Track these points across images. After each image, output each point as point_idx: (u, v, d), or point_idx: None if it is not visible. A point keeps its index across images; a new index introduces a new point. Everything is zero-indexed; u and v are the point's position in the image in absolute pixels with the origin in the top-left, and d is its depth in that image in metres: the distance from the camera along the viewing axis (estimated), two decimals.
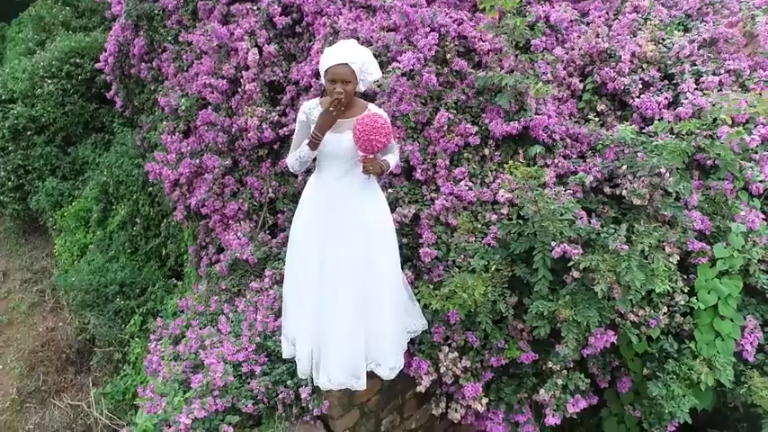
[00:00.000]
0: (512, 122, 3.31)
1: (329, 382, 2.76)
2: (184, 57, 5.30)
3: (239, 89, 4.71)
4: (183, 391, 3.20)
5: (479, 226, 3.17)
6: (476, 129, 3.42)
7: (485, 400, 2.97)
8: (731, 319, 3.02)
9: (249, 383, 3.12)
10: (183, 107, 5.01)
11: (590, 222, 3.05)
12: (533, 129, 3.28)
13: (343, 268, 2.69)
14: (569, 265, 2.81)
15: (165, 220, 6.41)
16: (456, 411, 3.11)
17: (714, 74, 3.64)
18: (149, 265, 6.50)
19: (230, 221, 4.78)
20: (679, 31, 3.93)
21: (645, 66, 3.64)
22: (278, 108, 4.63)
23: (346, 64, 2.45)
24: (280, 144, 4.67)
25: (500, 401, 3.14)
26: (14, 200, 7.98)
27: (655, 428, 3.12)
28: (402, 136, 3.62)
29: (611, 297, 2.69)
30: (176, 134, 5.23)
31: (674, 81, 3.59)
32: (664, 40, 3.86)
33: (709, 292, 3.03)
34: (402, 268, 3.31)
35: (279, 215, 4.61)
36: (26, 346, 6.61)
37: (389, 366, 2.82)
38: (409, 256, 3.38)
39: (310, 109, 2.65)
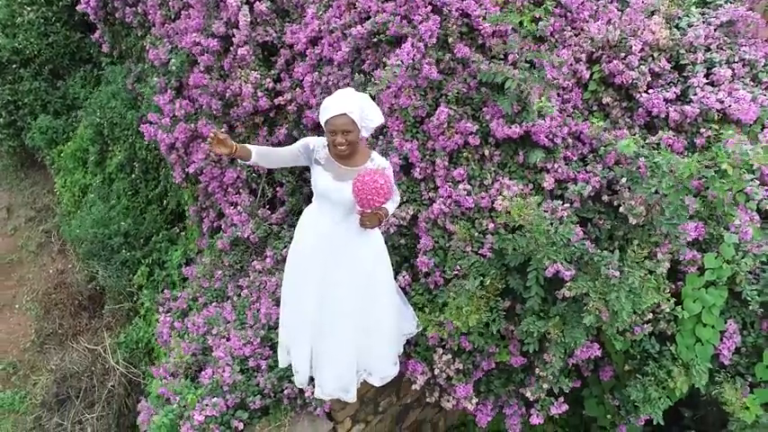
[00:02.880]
0: (513, 126, 3.23)
1: (322, 394, 2.97)
2: (171, 3, 5.00)
3: (231, 48, 4.51)
4: (195, 386, 3.43)
5: (476, 234, 3.22)
6: (476, 127, 3.34)
7: (475, 401, 3.21)
8: (712, 326, 3.17)
9: (256, 378, 3.34)
10: (174, 67, 4.83)
11: (585, 234, 3.10)
12: (535, 134, 3.21)
13: (345, 291, 2.78)
14: (563, 284, 2.90)
15: (162, 163, 6.39)
16: (448, 402, 3.36)
17: (728, 62, 3.49)
18: (150, 209, 6.56)
19: (229, 188, 4.79)
20: (698, 6, 3.70)
21: (656, 54, 3.47)
22: (272, 72, 4.47)
23: (345, 114, 2.38)
24: (276, 112, 4.56)
25: (489, 393, 3.39)
26: (8, 136, 7.89)
27: (631, 416, 3.39)
28: (401, 129, 3.54)
29: (599, 323, 2.81)
30: (168, 91, 5.07)
31: (685, 73, 3.45)
32: (680, 18, 3.64)
33: (694, 301, 3.15)
34: (399, 270, 3.42)
35: (278, 187, 4.61)
36: (39, 287, 6.88)
37: (381, 376, 3.03)
38: (407, 257, 3.46)
39: (316, 148, 2.61)
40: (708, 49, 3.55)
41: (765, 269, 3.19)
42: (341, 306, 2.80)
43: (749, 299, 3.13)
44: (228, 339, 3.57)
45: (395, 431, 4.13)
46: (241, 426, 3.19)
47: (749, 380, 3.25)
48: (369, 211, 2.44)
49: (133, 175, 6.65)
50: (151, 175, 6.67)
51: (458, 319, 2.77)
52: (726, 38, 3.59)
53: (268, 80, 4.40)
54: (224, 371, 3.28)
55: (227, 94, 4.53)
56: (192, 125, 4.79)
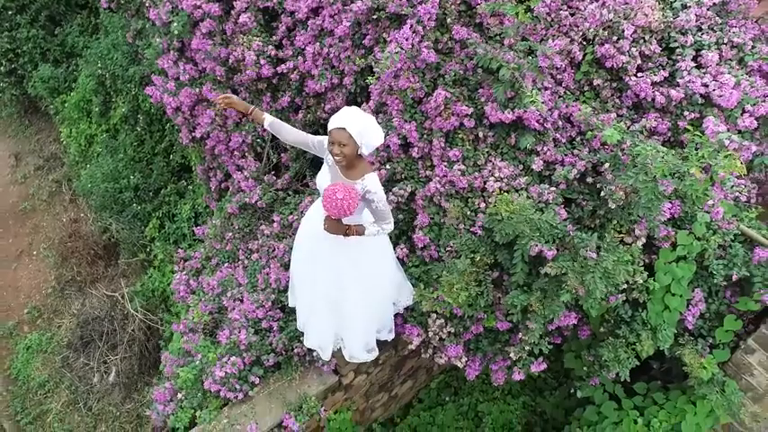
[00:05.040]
0: (506, 111, 3.41)
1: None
2: None
3: (232, 11, 4.57)
4: (212, 341, 3.82)
5: (468, 213, 3.48)
6: (471, 110, 3.52)
7: (464, 359, 3.61)
8: (680, 295, 3.51)
9: (269, 338, 3.72)
10: (176, 31, 4.88)
11: (569, 213, 3.38)
12: (527, 119, 3.40)
13: (350, 277, 3.15)
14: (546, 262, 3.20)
15: (166, 116, 6.52)
16: (440, 359, 3.76)
17: (717, 44, 3.61)
18: (157, 161, 6.76)
19: (235, 152, 4.99)
20: None
21: (647, 37, 3.59)
22: (274, 38, 4.55)
23: (344, 129, 2.58)
24: (278, 78, 4.68)
25: (477, 351, 3.78)
26: (10, 84, 7.95)
27: (603, 370, 3.81)
28: (400, 108, 3.71)
29: (576, 297, 3.13)
30: (171, 52, 5.14)
31: (675, 56, 3.58)
32: None
33: (665, 274, 3.47)
34: (398, 243, 3.72)
35: (282, 153, 4.81)
36: (54, 235, 7.21)
37: (350, 354, 3.57)
38: (405, 230, 3.75)
39: (322, 147, 2.87)
40: (699, 29, 3.65)
41: (733, 245, 3.48)
42: (346, 292, 3.17)
43: (715, 272, 3.45)
44: (242, 302, 3.93)
45: (393, 378, 4.59)
46: (257, 380, 3.61)
47: (710, 341, 3.63)
48: (332, 218, 2.70)
49: (138, 128, 6.79)
50: (155, 126, 6.81)
51: (449, 296, 3.10)
52: (717, 18, 3.68)
53: (270, 47, 4.49)
54: (240, 332, 3.65)
55: (230, 60, 4.63)
56: (197, 90, 4.91)
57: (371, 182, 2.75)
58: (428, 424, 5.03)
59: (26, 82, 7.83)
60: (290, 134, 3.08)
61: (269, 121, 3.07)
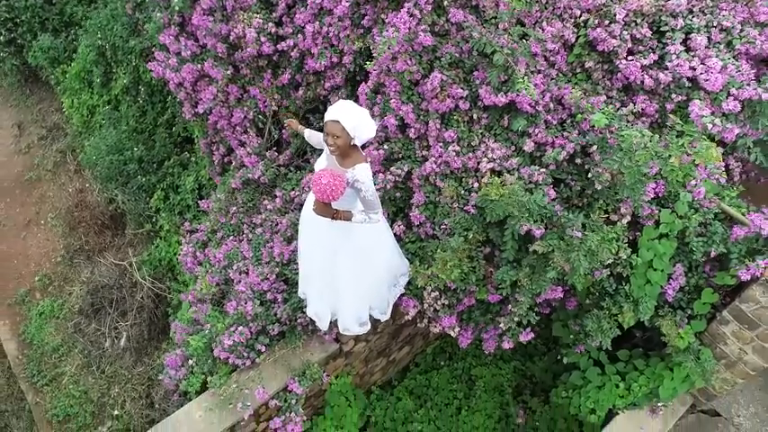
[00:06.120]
0: (499, 94, 3.54)
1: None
2: None
3: None
4: (219, 310, 4.05)
5: (462, 192, 3.65)
6: (466, 93, 3.65)
7: (457, 329, 3.84)
8: (662, 270, 3.72)
9: (274, 309, 3.95)
10: (177, 6, 4.93)
11: (557, 193, 3.55)
12: (519, 103, 3.53)
13: (348, 257, 3.36)
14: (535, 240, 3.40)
15: (168, 87, 6.59)
16: (435, 328, 4.00)
17: (707, 27, 3.71)
18: (159, 132, 6.88)
19: (237, 127, 5.12)
20: None
21: (639, 20, 3.68)
22: (274, 15, 4.62)
23: (337, 121, 2.74)
24: (279, 56, 4.76)
25: (470, 321, 4.02)
26: (10, 54, 7.98)
27: (588, 339, 4.05)
28: (398, 89, 3.83)
29: (562, 273, 3.34)
30: (172, 27, 5.20)
31: (665, 40, 3.68)
32: None
33: (648, 250, 3.67)
34: (395, 219, 3.91)
35: (283, 129, 4.94)
36: (61, 205, 7.39)
37: (343, 326, 3.82)
38: (402, 208, 3.93)
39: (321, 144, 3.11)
40: (690, 12, 3.74)
41: (713, 223, 3.67)
42: (343, 271, 3.39)
43: (695, 249, 3.65)
44: (248, 275, 4.14)
45: (391, 344, 4.86)
46: (263, 348, 3.86)
47: (688, 313, 3.86)
48: (322, 201, 2.88)
49: (139, 99, 6.87)
50: (157, 98, 6.89)
51: (443, 273, 3.30)
52: (709, 0, 3.76)
53: (270, 24, 4.56)
54: (247, 304, 3.88)
55: (231, 37, 4.71)
56: (199, 66, 4.99)
57: (361, 172, 2.90)
58: (424, 387, 5.33)
59: (26, 52, 7.85)
60: (318, 138, 3.43)
61: (306, 133, 3.61)
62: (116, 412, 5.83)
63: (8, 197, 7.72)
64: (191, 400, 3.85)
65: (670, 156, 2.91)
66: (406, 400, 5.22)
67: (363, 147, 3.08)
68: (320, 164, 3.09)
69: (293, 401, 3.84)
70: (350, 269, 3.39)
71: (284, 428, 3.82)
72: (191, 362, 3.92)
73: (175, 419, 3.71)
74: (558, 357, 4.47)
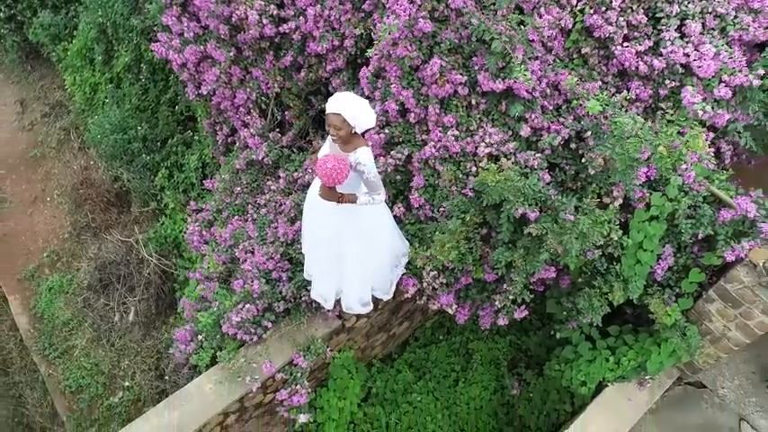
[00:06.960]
0: (497, 81, 3.63)
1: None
2: None
3: None
4: (226, 288, 4.22)
5: (461, 176, 3.78)
6: (465, 78, 3.74)
7: (455, 306, 4.02)
8: (651, 251, 3.87)
9: (279, 287, 4.12)
10: None
11: (552, 177, 3.68)
12: (517, 89, 3.63)
13: (353, 240, 3.51)
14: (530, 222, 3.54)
15: (168, 66, 6.64)
16: (433, 305, 4.18)
17: (701, 13, 3.77)
18: (162, 111, 6.96)
19: (240, 108, 5.21)
20: None
21: (635, 6, 3.74)
22: None
23: (338, 113, 2.85)
24: (281, 38, 4.82)
25: (467, 299, 4.19)
26: (11, 31, 7.98)
27: (579, 315, 4.23)
28: (398, 75, 3.92)
29: (555, 254, 3.49)
30: (174, 8, 5.24)
31: (660, 26, 3.75)
32: None
33: (638, 232, 3.82)
34: (395, 202, 4.04)
35: (286, 111, 5.03)
36: (66, 182, 7.51)
37: (346, 305, 4.01)
38: (402, 190, 4.06)
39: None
40: None
41: (702, 206, 3.80)
42: (349, 254, 3.55)
43: (683, 231, 3.79)
44: (253, 254, 4.29)
45: (391, 320, 5.05)
46: (269, 325, 4.04)
47: (676, 291, 4.03)
48: (326, 186, 3.01)
49: (141, 77, 6.92)
50: (159, 76, 6.94)
51: (441, 254, 3.45)
52: None
53: (272, 6, 4.61)
54: (253, 282, 4.04)
55: (234, 19, 4.76)
56: (202, 47, 5.05)
57: (363, 155, 3.04)
58: (423, 360, 5.55)
59: (26, 28, 7.87)
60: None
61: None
62: (127, 383, 6.07)
63: (14, 174, 7.83)
64: (200, 373, 4.05)
65: (659, 144, 3.02)
66: (406, 373, 5.44)
67: (364, 133, 3.19)
68: (324, 151, 3.22)
69: (298, 374, 4.04)
70: (356, 253, 3.54)
71: (290, 399, 4.03)
72: (200, 337, 4.10)
73: (187, 392, 3.92)
74: (552, 332, 4.66)
